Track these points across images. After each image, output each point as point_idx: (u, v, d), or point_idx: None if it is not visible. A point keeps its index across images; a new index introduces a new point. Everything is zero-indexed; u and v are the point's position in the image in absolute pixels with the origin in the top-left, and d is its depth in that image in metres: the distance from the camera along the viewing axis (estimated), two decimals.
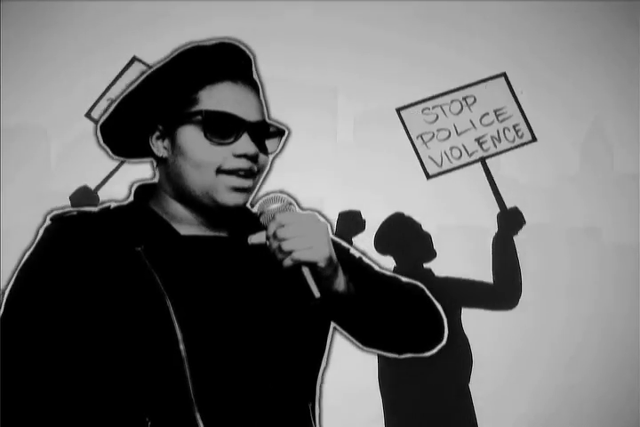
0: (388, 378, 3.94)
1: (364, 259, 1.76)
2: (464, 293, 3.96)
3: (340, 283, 1.53)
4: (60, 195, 4.09)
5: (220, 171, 1.54)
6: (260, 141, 1.58)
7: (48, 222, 1.59)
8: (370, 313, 1.59)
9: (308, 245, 1.45)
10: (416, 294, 1.71)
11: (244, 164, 1.55)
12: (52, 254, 1.52)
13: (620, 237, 4.87)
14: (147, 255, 1.51)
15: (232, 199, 1.56)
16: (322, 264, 1.46)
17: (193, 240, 1.58)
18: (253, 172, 1.57)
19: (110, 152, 1.71)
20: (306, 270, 1.45)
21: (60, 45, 5.02)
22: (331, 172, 4.94)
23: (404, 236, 4.03)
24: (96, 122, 3.98)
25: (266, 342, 1.53)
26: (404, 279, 1.73)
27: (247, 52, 1.66)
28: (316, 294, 1.44)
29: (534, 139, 3.97)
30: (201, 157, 1.55)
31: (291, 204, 1.52)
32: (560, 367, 4.68)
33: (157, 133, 1.61)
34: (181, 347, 1.46)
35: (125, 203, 1.67)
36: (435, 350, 1.72)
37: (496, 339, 4.27)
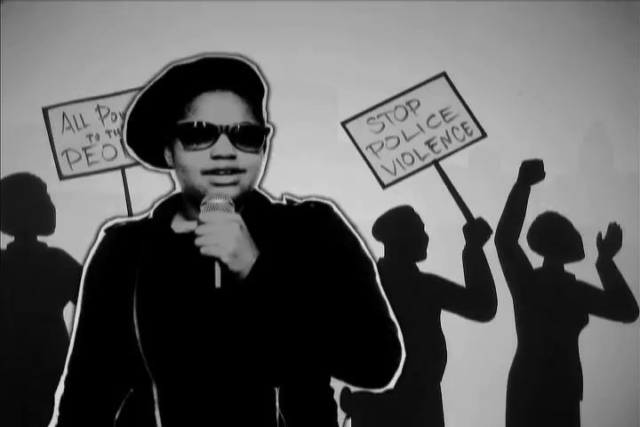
0: None
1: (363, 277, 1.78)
2: (443, 294, 3.99)
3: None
4: (62, 195, 4.13)
5: (203, 172, 1.72)
6: (242, 141, 1.73)
7: (102, 233, 1.90)
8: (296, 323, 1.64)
9: (213, 242, 1.61)
10: (375, 324, 1.71)
11: (221, 164, 1.71)
12: (94, 259, 1.89)
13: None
14: (145, 254, 1.78)
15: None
16: (225, 259, 1.61)
17: (182, 238, 1.76)
18: (235, 169, 1.72)
19: (143, 162, 1.91)
20: (216, 263, 1.62)
21: (60, 47, 4.77)
22: (331, 172, 4.87)
23: (405, 230, 4.07)
24: None
25: (224, 324, 1.70)
26: (392, 316, 1.75)
27: (235, 60, 1.81)
28: (217, 284, 1.61)
29: (484, 135, 3.92)
30: (185, 161, 1.74)
31: (231, 204, 1.68)
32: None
33: (166, 145, 1.81)
34: (136, 331, 1.74)
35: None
36: (378, 389, 1.73)
37: (489, 334, 4.33)
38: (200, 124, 1.73)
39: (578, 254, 4.23)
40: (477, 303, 3.98)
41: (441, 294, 3.99)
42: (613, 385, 4.96)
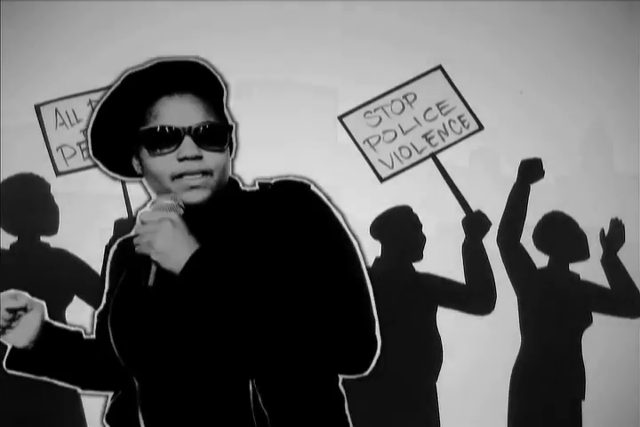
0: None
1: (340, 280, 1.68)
2: (440, 291, 3.98)
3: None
4: (62, 195, 4.10)
5: (172, 177, 1.71)
6: (206, 141, 1.72)
7: (115, 247, 1.95)
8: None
9: (145, 241, 1.65)
10: (345, 317, 1.64)
11: (189, 166, 1.70)
12: (104, 270, 1.94)
13: None
14: (135, 262, 1.72)
15: (192, 197, 1.72)
16: (154, 257, 1.64)
17: None
18: (204, 171, 1.71)
19: (113, 173, 1.89)
20: (152, 262, 1.65)
21: (59, 46, 4.81)
22: (332, 171, 4.90)
23: (404, 230, 4.04)
24: None
25: (175, 323, 1.69)
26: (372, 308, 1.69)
27: (189, 62, 1.79)
28: (149, 282, 1.65)
29: (481, 127, 3.90)
30: (154, 167, 1.73)
31: (180, 206, 1.69)
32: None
33: (133, 154, 1.79)
34: (111, 336, 1.78)
35: None
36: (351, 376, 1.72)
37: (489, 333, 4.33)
38: (163, 128, 1.72)
39: (583, 254, 4.22)
40: (476, 297, 3.96)
41: (437, 291, 3.98)
42: (615, 385, 4.94)
